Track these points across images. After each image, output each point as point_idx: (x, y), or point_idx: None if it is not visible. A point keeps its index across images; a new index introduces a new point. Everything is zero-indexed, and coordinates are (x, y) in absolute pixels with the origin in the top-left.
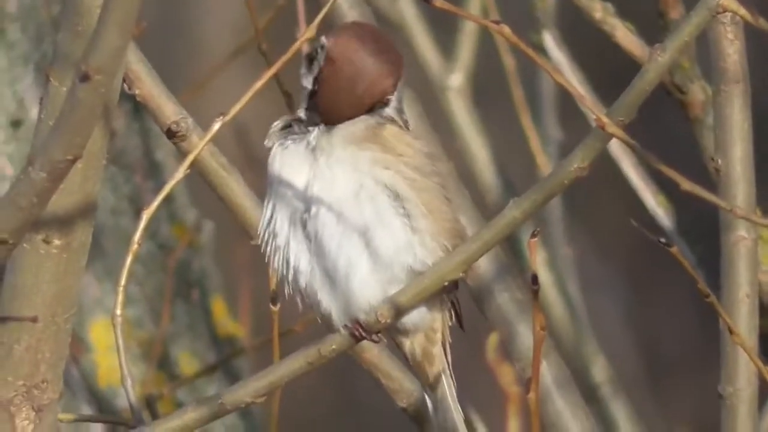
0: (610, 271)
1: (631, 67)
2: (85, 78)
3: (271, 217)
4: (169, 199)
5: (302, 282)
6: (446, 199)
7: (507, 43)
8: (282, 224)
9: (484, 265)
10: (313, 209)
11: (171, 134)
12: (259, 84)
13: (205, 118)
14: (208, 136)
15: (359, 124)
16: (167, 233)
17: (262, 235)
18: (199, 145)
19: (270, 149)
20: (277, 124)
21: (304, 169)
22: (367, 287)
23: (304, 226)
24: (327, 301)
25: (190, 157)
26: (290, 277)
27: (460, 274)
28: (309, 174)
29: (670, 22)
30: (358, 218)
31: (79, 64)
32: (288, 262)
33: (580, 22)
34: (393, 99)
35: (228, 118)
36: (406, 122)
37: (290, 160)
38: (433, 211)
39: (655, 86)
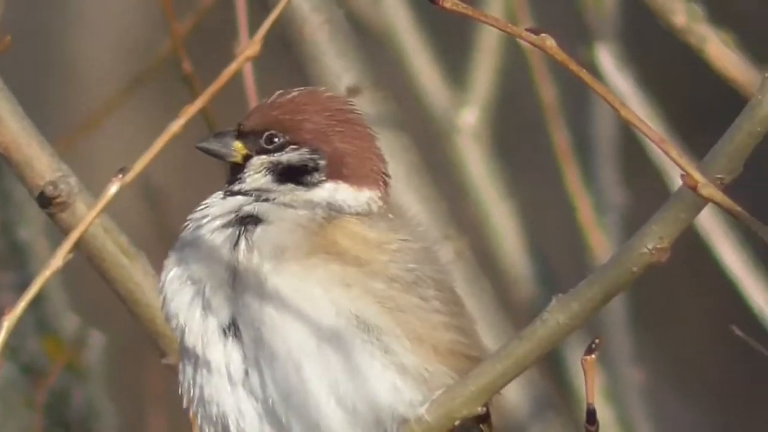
0: (695, 403)
1: (731, 98)
2: None
3: (193, 380)
4: (38, 300)
5: None
6: (442, 312)
7: (548, 62)
8: (214, 390)
9: (515, 395)
10: (256, 368)
11: (46, 201)
12: (177, 124)
13: (95, 175)
14: (101, 203)
15: (290, 223)
16: (35, 350)
17: (185, 395)
18: (88, 217)
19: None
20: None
21: (222, 312)
22: None
23: (246, 386)
24: None
25: (74, 236)
26: None
27: (479, 409)
28: (231, 312)
29: None
30: (322, 370)
31: None
32: None
33: (653, 31)
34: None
35: (132, 175)
36: (375, 203)
37: (198, 300)
38: (424, 338)
39: None
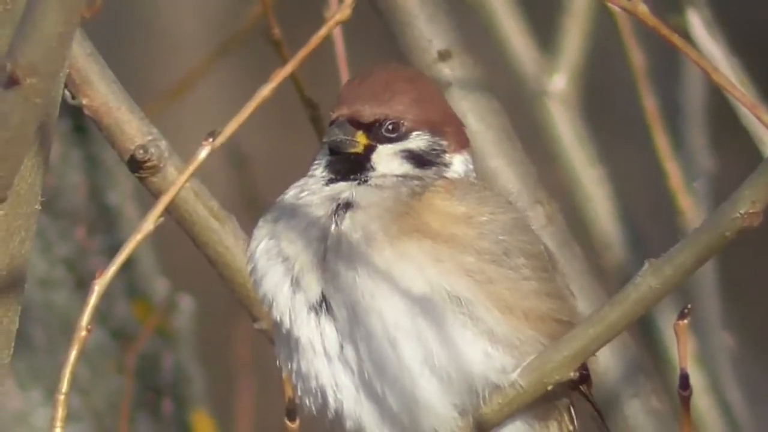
0: None
1: None
2: (12, 82)
3: (290, 355)
4: (128, 264)
5: (350, 424)
6: (532, 279)
7: (638, 27)
8: (310, 364)
9: (606, 360)
10: (350, 343)
11: (136, 164)
12: (267, 89)
13: (185, 139)
14: (192, 166)
15: (386, 195)
16: (125, 314)
17: (283, 368)
18: (179, 180)
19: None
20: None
21: (312, 290)
22: (441, 423)
23: (341, 360)
24: None
25: (165, 200)
26: (331, 418)
27: (571, 374)
28: (321, 290)
29: None
30: (417, 343)
31: (4, 62)
32: (327, 406)
33: None
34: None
35: (221, 139)
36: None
37: (287, 277)
38: (513, 307)
39: None
